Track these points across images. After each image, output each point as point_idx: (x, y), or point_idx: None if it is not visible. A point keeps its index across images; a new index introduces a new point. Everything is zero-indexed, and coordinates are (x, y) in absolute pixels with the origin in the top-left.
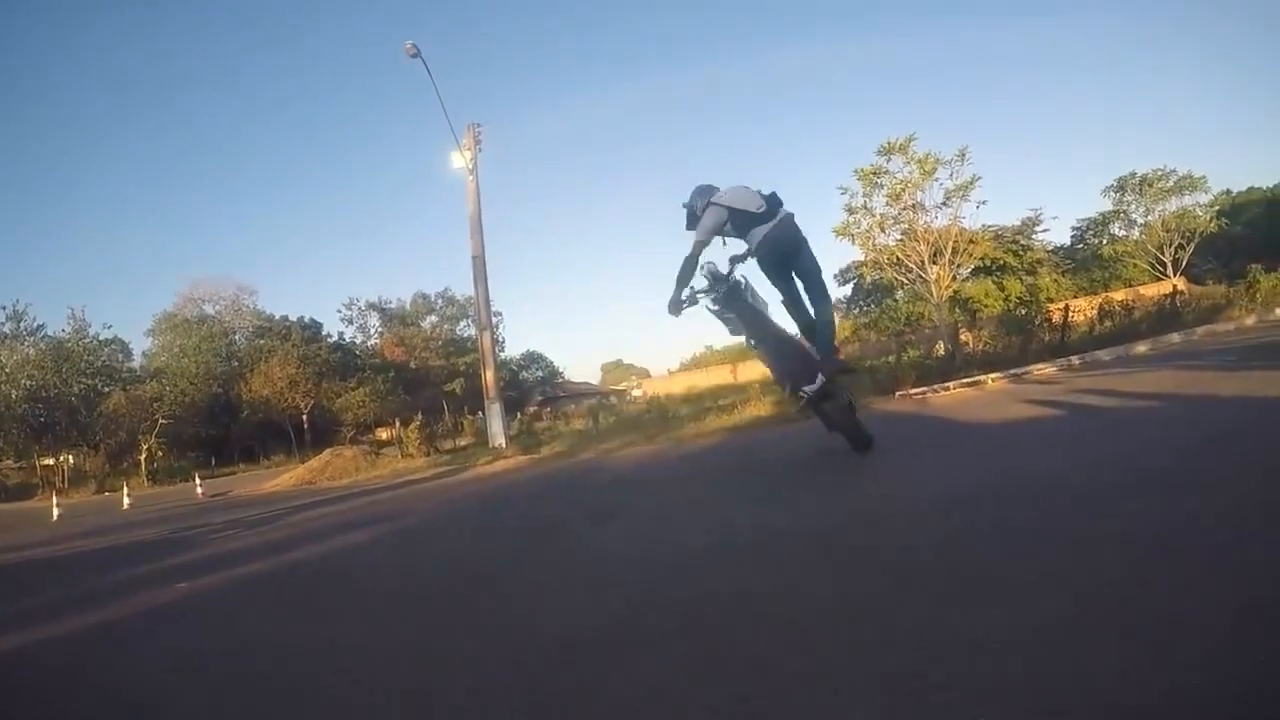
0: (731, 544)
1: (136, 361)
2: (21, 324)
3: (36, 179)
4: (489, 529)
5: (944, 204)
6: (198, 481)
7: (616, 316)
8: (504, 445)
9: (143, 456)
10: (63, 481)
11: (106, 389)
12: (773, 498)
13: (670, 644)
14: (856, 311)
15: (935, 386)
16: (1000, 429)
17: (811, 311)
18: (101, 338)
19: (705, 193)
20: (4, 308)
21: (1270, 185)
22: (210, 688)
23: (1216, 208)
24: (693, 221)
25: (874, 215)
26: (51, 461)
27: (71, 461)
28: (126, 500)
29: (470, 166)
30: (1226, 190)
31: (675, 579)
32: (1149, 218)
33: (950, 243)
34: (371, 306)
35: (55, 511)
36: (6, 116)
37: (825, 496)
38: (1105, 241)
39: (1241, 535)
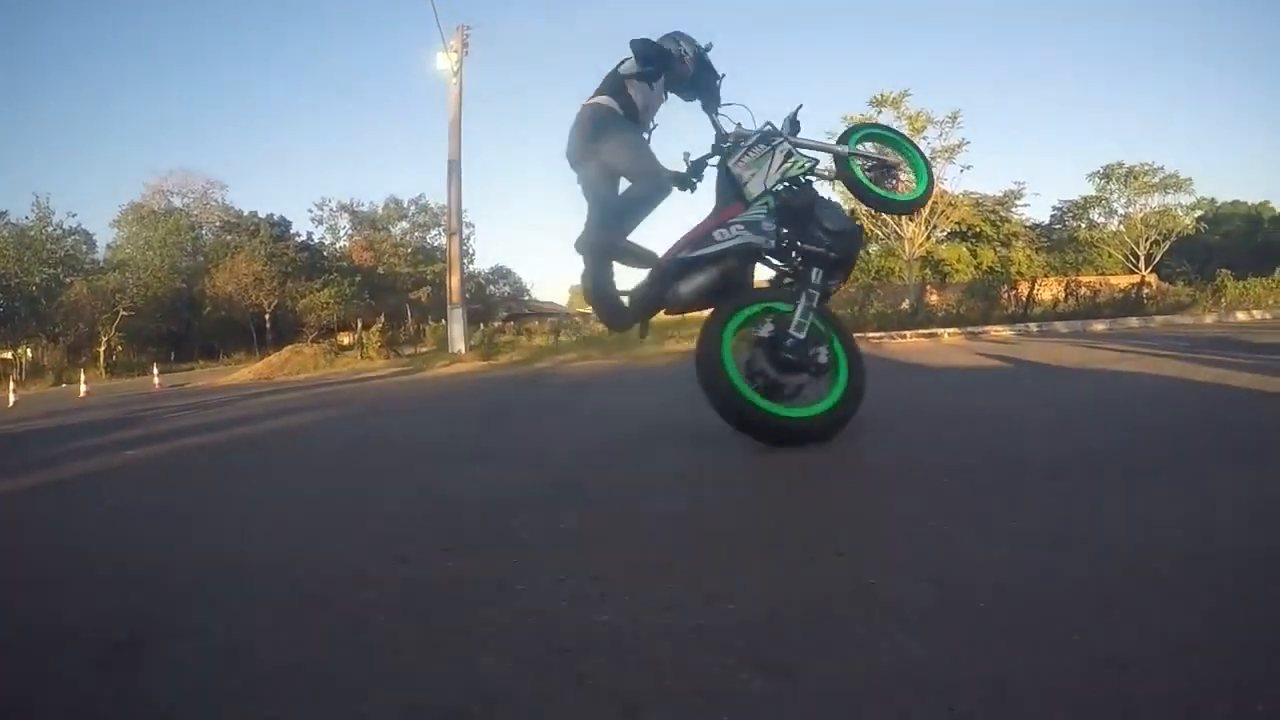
0: (663, 436)
1: (100, 254)
2: None
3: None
4: (435, 414)
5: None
6: (155, 372)
7: None
8: (463, 351)
9: (101, 349)
10: (20, 375)
11: (68, 279)
12: (704, 404)
13: (578, 505)
14: None
15: (892, 334)
16: (939, 371)
17: None
18: (65, 226)
19: None
20: None
21: (1255, 202)
22: (145, 539)
23: (1198, 212)
24: None
25: None
26: (9, 355)
27: (29, 355)
28: (83, 389)
29: (455, 69)
30: (1211, 199)
31: (608, 457)
32: (1129, 209)
33: (929, 203)
34: (343, 208)
35: (11, 399)
36: None
37: None
38: (1084, 226)
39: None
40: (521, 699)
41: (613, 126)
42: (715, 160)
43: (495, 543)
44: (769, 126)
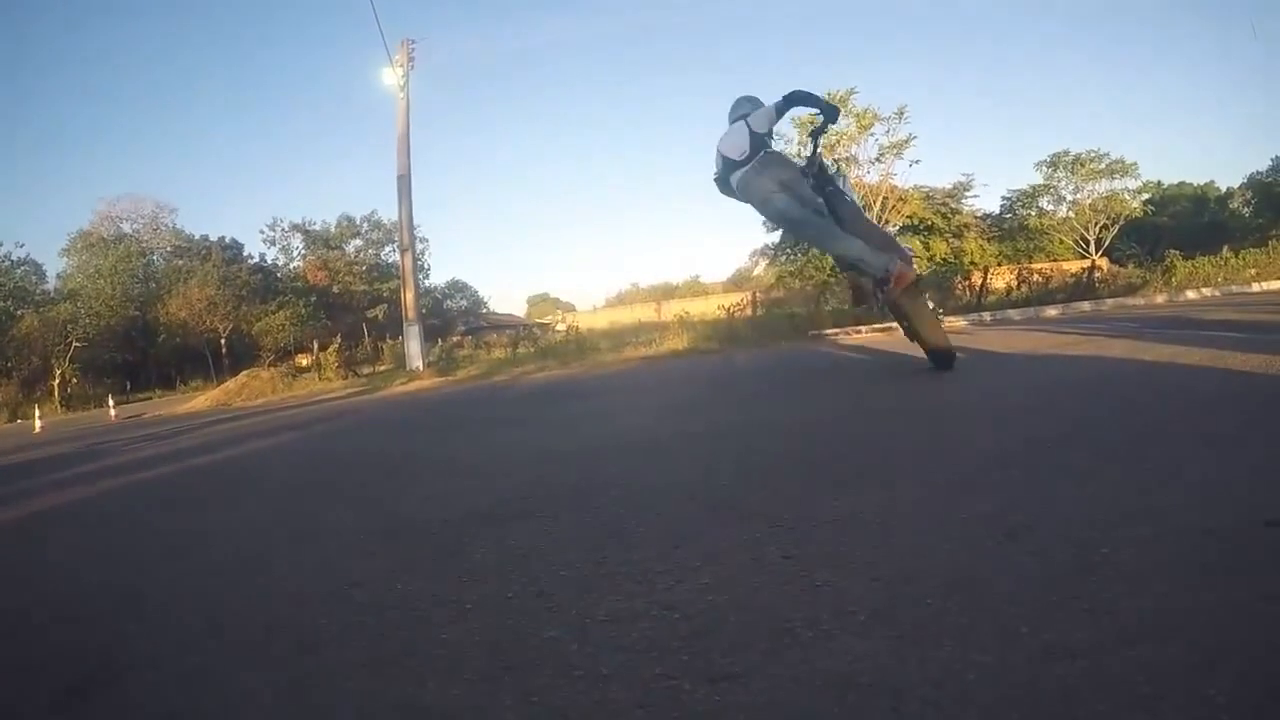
0: (618, 444)
1: (51, 284)
2: None
3: None
4: (390, 433)
5: (878, 159)
6: (111, 404)
7: (544, 250)
8: (421, 368)
9: (56, 382)
10: None
11: (19, 312)
12: (659, 410)
13: (526, 519)
14: (783, 259)
15: (848, 329)
16: (890, 365)
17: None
18: (14, 258)
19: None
20: None
21: (1200, 183)
22: (98, 577)
23: (1145, 195)
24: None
25: None
26: None
27: None
28: (38, 424)
29: (402, 84)
30: (1157, 181)
31: (561, 468)
32: (1078, 195)
33: (880, 198)
34: (295, 228)
35: None
36: None
37: (711, 411)
38: (1034, 214)
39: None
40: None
41: (797, 171)
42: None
43: (446, 561)
44: (834, 166)
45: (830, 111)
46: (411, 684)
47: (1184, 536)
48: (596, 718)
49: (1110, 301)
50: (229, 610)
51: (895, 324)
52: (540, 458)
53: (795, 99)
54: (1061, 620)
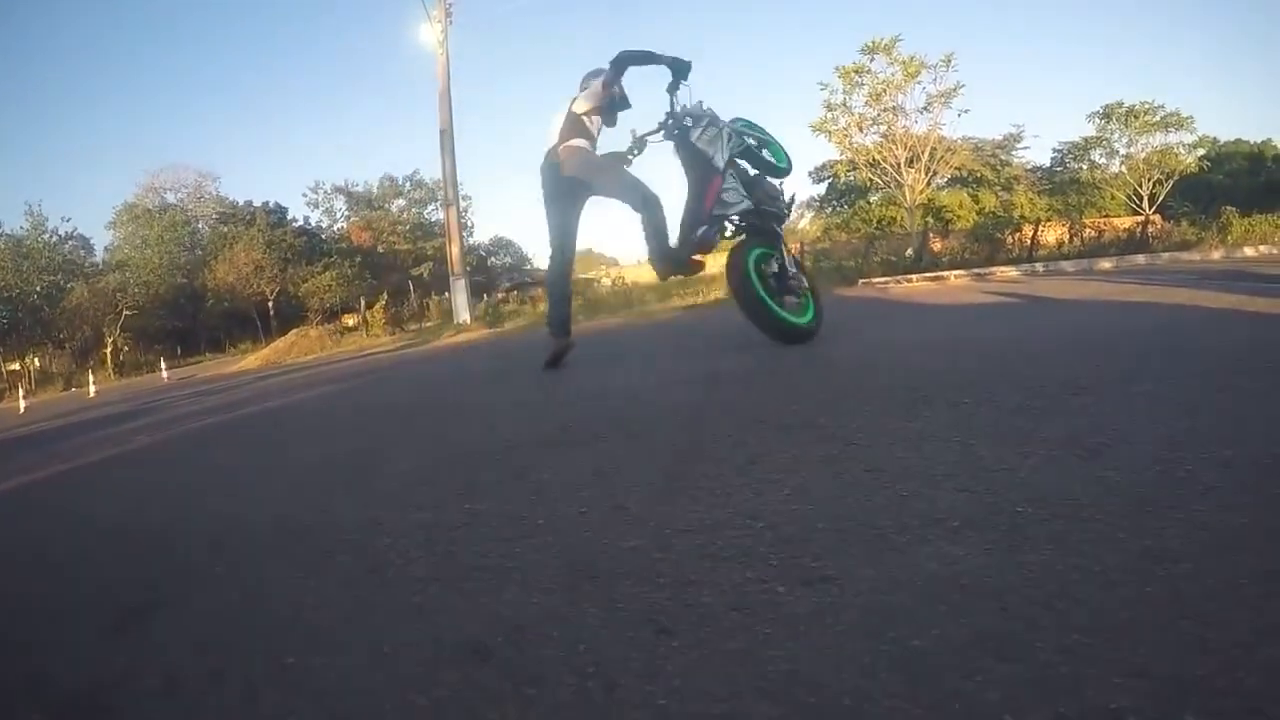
0: (677, 379)
1: (99, 256)
2: None
3: None
4: (442, 378)
5: (925, 109)
6: (163, 367)
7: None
8: (468, 321)
9: (108, 350)
10: (30, 383)
11: (69, 285)
12: (713, 350)
13: (592, 444)
14: (829, 211)
15: (898, 278)
16: (950, 308)
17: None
18: (61, 232)
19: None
20: None
21: (1258, 141)
22: (158, 512)
23: (1200, 151)
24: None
25: (853, 114)
26: (17, 366)
27: (37, 363)
28: (92, 390)
29: (441, 39)
30: (1213, 138)
31: (622, 401)
32: (1131, 149)
33: (928, 148)
34: (338, 190)
35: (22, 406)
36: None
37: (765, 348)
38: (1085, 167)
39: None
40: (551, 627)
41: (597, 164)
42: (657, 135)
43: (512, 483)
44: (707, 108)
45: (680, 67)
46: (485, 596)
47: (1265, 460)
48: (688, 621)
49: (1165, 256)
50: (288, 538)
51: (945, 274)
52: (600, 393)
53: (625, 62)
54: (1157, 528)
